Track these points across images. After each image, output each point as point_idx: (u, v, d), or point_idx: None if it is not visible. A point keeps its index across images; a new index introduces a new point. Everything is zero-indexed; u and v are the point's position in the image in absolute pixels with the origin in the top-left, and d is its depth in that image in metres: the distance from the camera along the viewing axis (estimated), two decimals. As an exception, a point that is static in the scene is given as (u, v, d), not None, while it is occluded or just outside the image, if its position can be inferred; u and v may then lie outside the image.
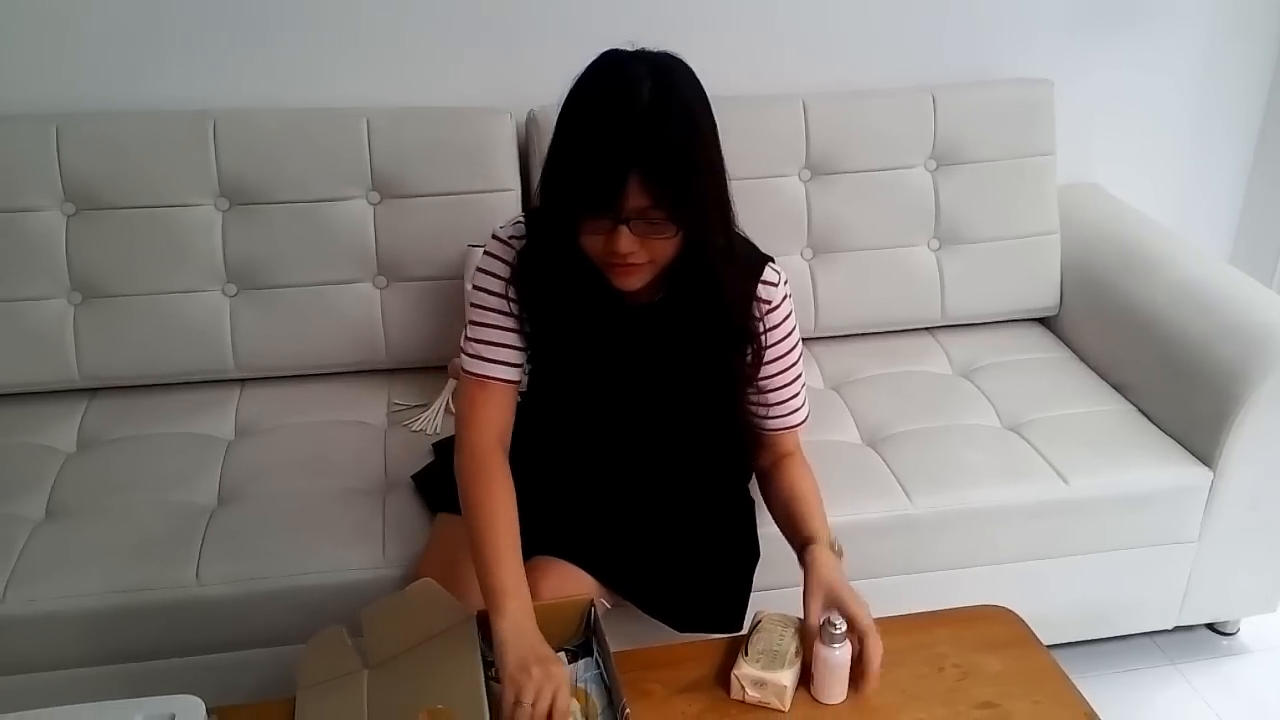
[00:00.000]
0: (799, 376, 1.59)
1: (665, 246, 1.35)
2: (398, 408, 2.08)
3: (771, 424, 1.60)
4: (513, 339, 1.51)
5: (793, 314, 1.54)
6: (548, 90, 2.04)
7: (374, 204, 2.09)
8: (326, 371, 2.15)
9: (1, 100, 2.05)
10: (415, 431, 2.00)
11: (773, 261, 1.52)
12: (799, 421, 1.61)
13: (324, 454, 1.93)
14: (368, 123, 2.06)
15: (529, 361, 1.56)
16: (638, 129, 1.27)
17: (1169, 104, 2.58)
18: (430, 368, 2.14)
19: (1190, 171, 2.67)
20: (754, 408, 1.58)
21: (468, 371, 1.52)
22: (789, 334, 1.54)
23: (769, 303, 1.50)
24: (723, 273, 1.43)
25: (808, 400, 1.62)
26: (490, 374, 1.50)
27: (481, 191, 2.10)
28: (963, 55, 2.39)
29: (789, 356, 1.56)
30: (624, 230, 1.31)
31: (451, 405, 2.04)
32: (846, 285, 2.26)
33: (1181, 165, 2.66)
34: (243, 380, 2.14)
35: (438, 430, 1.99)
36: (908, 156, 2.26)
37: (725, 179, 1.39)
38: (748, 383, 1.54)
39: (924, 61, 2.37)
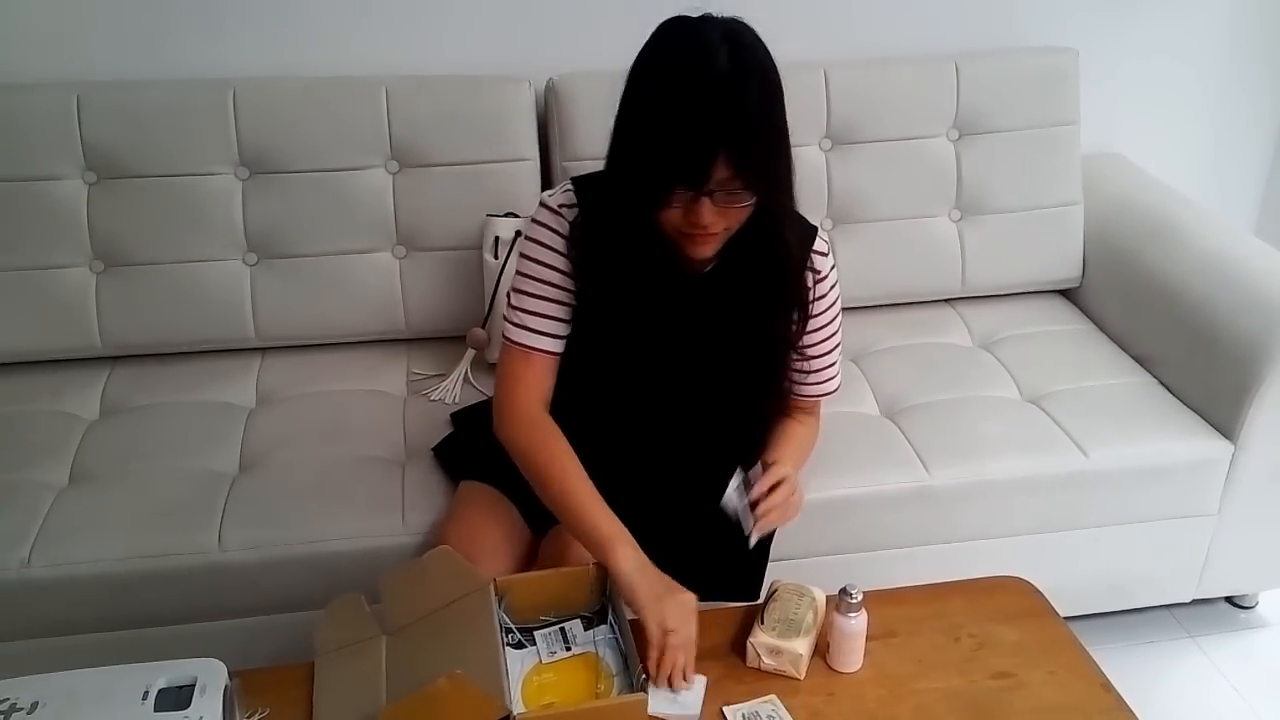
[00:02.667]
0: (838, 346, 1.61)
1: (741, 214, 1.37)
2: (416, 377, 2.09)
3: (804, 390, 1.62)
4: (558, 310, 1.50)
5: (838, 284, 1.56)
6: (566, 59, 2.07)
7: (393, 173, 2.09)
8: (346, 341, 2.16)
9: (23, 70, 2.06)
10: (434, 401, 2.01)
11: (819, 231, 1.54)
12: (831, 390, 1.64)
13: (344, 423, 1.94)
14: (386, 92, 2.06)
15: (572, 330, 1.56)
16: (722, 103, 1.27)
17: (1195, 74, 2.54)
18: (449, 337, 2.15)
19: (1216, 142, 2.64)
20: (791, 373, 1.60)
21: (511, 340, 1.51)
22: (834, 303, 1.57)
23: (818, 272, 1.52)
24: (788, 237, 1.45)
25: (841, 371, 1.64)
26: (535, 345, 1.50)
27: (500, 161, 2.09)
28: (986, 23, 2.36)
29: (832, 325, 1.58)
30: (706, 202, 1.32)
31: (470, 375, 2.05)
32: (867, 256, 2.24)
33: (1207, 136, 2.63)
34: (263, 349, 2.15)
35: (456, 400, 2.00)
36: (930, 126, 2.24)
37: (789, 142, 1.40)
38: (791, 347, 1.56)
39: (947, 29, 2.34)
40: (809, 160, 2.20)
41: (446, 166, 2.08)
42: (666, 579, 1.38)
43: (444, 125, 2.07)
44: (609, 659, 1.37)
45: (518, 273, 1.52)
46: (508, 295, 1.54)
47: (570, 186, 1.50)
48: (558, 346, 1.52)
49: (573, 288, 1.50)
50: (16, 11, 2.05)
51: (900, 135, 2.22)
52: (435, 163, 2.08)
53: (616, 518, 1.42)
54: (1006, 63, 2.28)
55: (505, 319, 1.53)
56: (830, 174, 2.21)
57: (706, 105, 1.27)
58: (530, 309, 1.50)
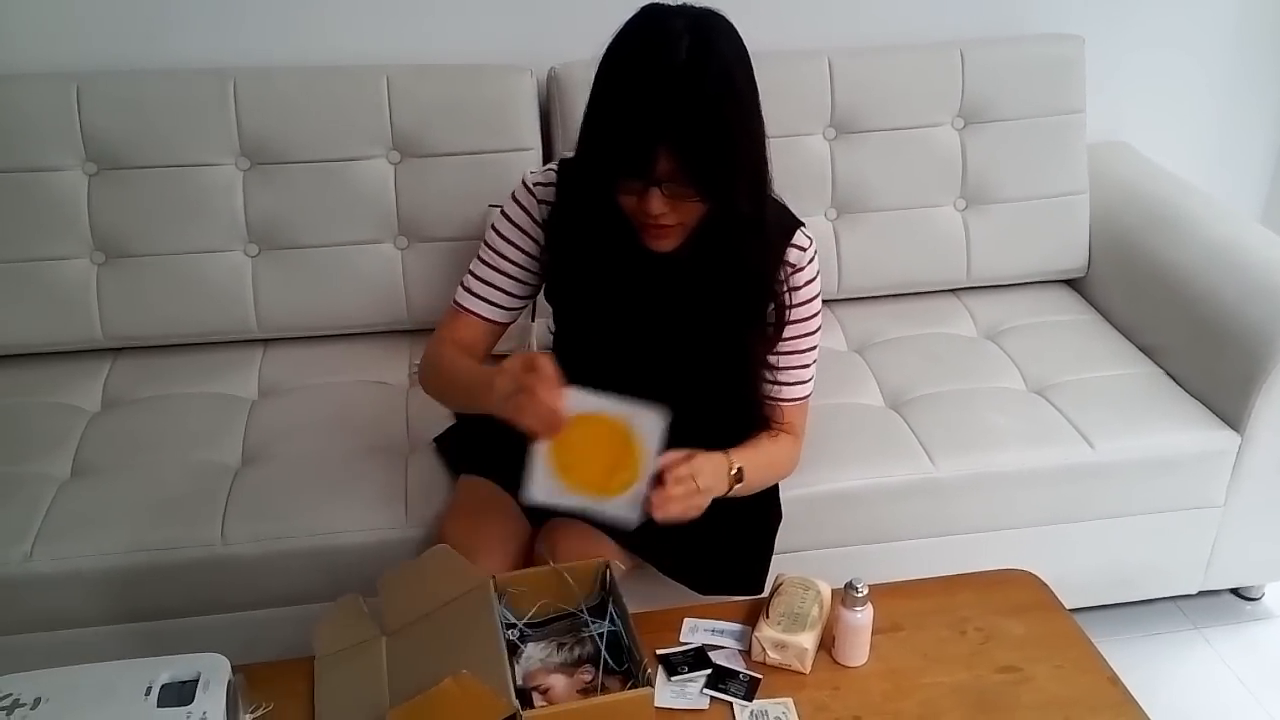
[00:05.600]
0: (811, 349, 1.56)
1: (695, 209, 1.35)
2: (419, 368, 2.07)
3: (771, 390, 1.56)
4: (509, 285, 1.54)
5: (816, 281, 1.53)
6: (569, 47, 2.05)
7: (394, 163, 2.08)
8: (348, 332, 2.15)
9: (22, 60, 2.05)
10: (437, 392, 2.00)
11: (803, 226, 1.51)
12: (797, 396, 1.57)
13: (346, 414, 1.94)
14: (388, 81, 2.04)
15: (526, 304, 1.59)
16: (671, 95, 1.26)
17: (1201, 62, 2.52)
18: (452, 328, 2.14)
19: (1221, 130, 2.62)
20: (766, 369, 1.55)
21: (457, 302, 1.56)
22: (807, 301, 1.52)
23: (795, 266, 1.49)
24: (745, 242, 1.42)
25: (814, 379, 1.59)
26: (477, 310, 1.55)
27: (502, 150, 2.08)
28: (991, 10, 2.34)
29: (808, 324, 1.54)
30: (655, 192, 1.31)
31: (473, 366, 2.04)
32: (871, 246, 2.23)
33: (1213, 124, 2.61)
34: (265, 340, 2.14)
35: (459, 391, 1.99)
36: (934, 114, 2.23)
37: (762, 144, 1.37)
38: (768, 346, 1.53)
39: (952, 16, 2.33)
40: (813, 149, 2.19)
41: (448, 156, 2.07)
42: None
43: (446, 115, 2.06)
44: (608, 654, 1.36)
45: (483, 242, 1.56)
46: (472, 260, 1.58)
47: (554, 166, 1.52)
48: (495, 315, 1.56)
49: (534, 269, 1.54)
50: (16, 1, 2.04)
51: (905, 124, 2.21)
52: (437, 152, 2.07)
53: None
54: (1012, 50, 2.27)
55: (461, 282, 1.58)
56: (834, 163, 2.20)
57: (654, 96, 1.26)
58: (483, 277, 1.55)
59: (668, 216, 1.34)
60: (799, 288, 1.50)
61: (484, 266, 1.55)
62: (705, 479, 1.39)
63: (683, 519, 1.38)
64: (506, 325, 1.59)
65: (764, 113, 1.37)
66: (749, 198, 1.38)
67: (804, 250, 1.50)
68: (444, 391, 1.60)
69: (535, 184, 1.51)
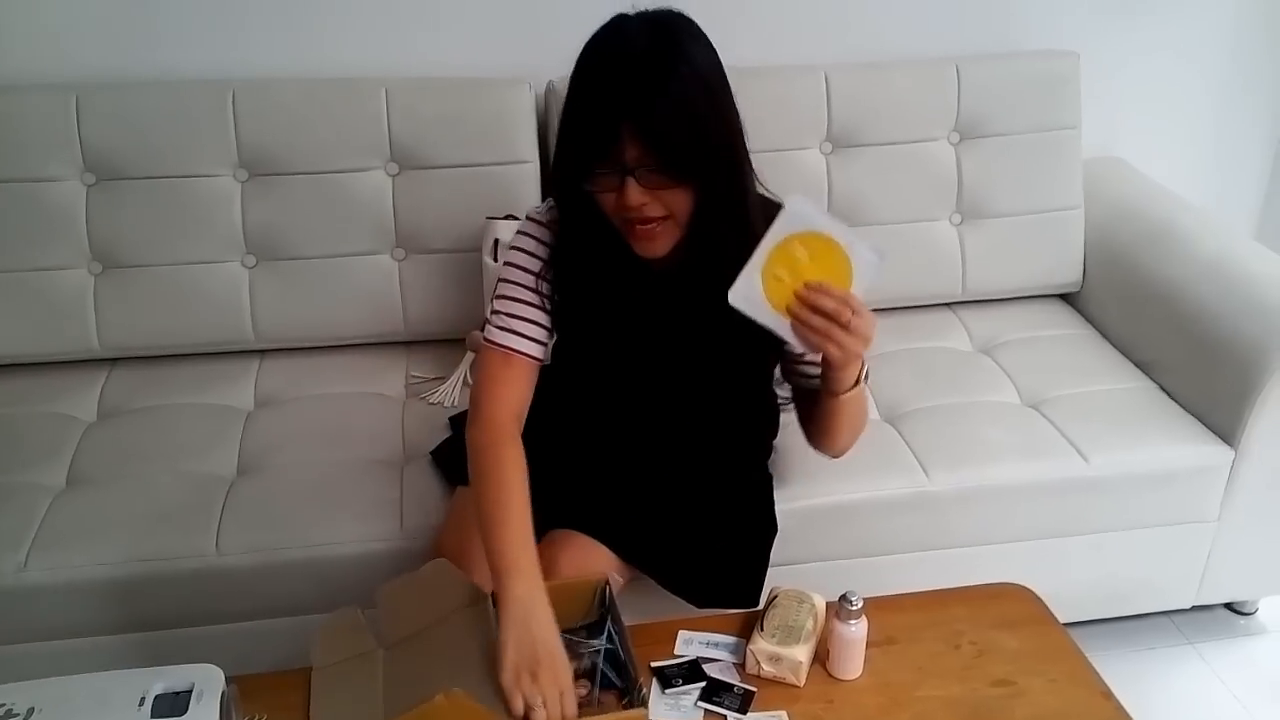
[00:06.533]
0: None
1: (678, 199, 1.34)
2: (416, 380, 2.08)
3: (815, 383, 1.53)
4: (541, 317, 1.50)
5: None
6: (566, 61, 2.03)
7: (392, 175, 2.08)
8: (345, 343, 2.16)
9: (21, 71, 2.05)
10: (433, 404, 2.00)
11: None
12: None
13: (343, 425, 1.94)
14: (386, 93, 2.05)
15: (554, 337, 1.55)
16: (631, 76, 1.28)
17: (1196, 77, 2.54)
18: (448, 340, 2.14)
19: (1216, 146, 2.63)
20: (804, 367, 1.53)
21: (493, 342, 1.49)
22: None
23: None
24: (730, 227, 1.38)
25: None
26: (516, 347, 1.48)
27: (500, 163, 2.09)
28: (987, 26, 2.36)
29: None
30: (631, 182, 1.31)
31: (469, 378, 2.04)
32: (867, 260, 2.24)
33: (1207, 139, 2.62)
34: (262, 351, 2.14)
35: (455, 403, 2.00)
36: (930, 129, 2.24)
37: (736, 129, 1.37)
38: (777, 347, 1.50)
39: (947, 32, 2.34)
40: (809, 164, 2.20)
41: (446, 169, 2.08)
42: (547, 642, 1.26)
43: (444, 127, 2.07)
44: (606, 669, 1.36)
45: (501, 279, 1.52)
46: (491, 301, 1.53)
47: (553, 202, 1.50)
48: (539, 352, 1.50)
49: (554, 294, 1.50)
50: (15, 12, 2.05)
51: (901, 139, 2.22)
52: (435, 165, 2.07)
53: (535, 552, 1.33)
54: (1007, 66, 2.28)
55: (488, 322, 1.51)
56: (831, 178, 2.21)
57: (614, 79, 1.29)
58: (514, 313, 1.49)
59: (651, 208, 1.33)
60: None
61: (513, 303, 1.49)
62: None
63: (854, 350, 1.38)
64: (543, 360, 1.54)
65: (761, 126, 1.38)
66: (727, 180, 1.37)
67: None
68: (478, 509, 1.42)
69: (550, 221, 1.49)
